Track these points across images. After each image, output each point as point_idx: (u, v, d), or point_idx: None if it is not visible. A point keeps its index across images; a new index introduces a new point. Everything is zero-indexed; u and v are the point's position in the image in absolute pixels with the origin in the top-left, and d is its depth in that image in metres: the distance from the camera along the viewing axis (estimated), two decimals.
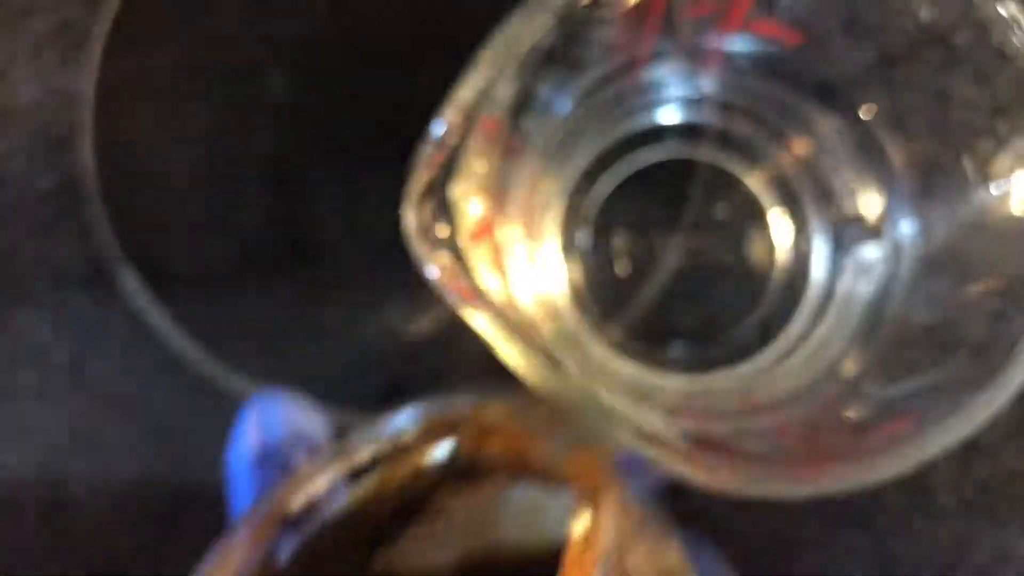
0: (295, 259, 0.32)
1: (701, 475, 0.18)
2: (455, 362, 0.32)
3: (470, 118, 0.19)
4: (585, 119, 0.26)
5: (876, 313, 0.28)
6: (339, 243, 0.32)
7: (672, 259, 0.28)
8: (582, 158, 0.28)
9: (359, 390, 0.32)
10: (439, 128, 0.18)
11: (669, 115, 0.28)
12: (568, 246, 0.26)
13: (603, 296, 0.27)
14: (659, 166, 0.27)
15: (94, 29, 0.32)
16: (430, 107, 0.32)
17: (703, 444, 0.23)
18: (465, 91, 0.18)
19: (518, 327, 0.18)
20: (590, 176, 0.28)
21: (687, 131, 0.29)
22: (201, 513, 0.31)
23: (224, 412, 0.31)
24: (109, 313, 0.32)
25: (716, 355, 0.29)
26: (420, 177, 0.19)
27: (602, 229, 0.27)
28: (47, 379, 0.31)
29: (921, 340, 0.24)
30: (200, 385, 0.31)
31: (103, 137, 0.32)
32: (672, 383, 0.28)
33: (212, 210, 0.32)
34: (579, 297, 0.27)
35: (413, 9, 0.32)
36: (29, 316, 0.31)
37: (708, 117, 0.28)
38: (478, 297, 0.18)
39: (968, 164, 0.25)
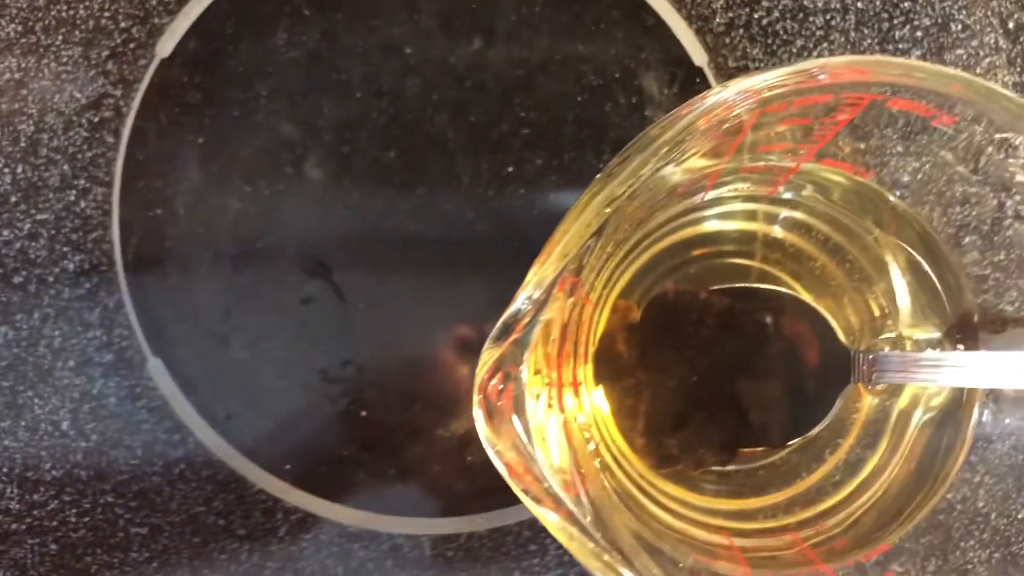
0: (331, 353, 0.31)
1: None
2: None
3: (549, 289, 0.17)
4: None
5: (936, 441, 0.27)
6: (376, 338, 0.31)
7: (719, 378, 0.27)
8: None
9: (393, 492, 0.31)
10: (518, 306, 0.17)
11: (723, 225, 0.27)
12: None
13: (651, 421, 0.26)
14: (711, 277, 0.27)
15: (124, 107, 0.30)
16: (469, 194, 0.31)
17: None
18: (547, 269, 0.17)
19: (588, 530, 0.17)
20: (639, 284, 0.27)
21: (742, 243, 0.28)
22: None
23: (250, 512, 0.30)
24: (134, 403, 0.30)
25: (764, 477, 0.28)
26: (490, 356, 0.17)
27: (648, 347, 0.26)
28: (67, 471, 0.30)
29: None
30: (228, 482, 0.30)
31: (130, 218, 0.31)
32: (718, 507, 0.27)
33: (242, 297, 0.31)
34: (627, 420, 0.26)
35: (454, 98, 0.31)
36: (50, 404, 0.30)
37: (764, 229, 0.27)
38: (547, 494, 0.17)
39: None
